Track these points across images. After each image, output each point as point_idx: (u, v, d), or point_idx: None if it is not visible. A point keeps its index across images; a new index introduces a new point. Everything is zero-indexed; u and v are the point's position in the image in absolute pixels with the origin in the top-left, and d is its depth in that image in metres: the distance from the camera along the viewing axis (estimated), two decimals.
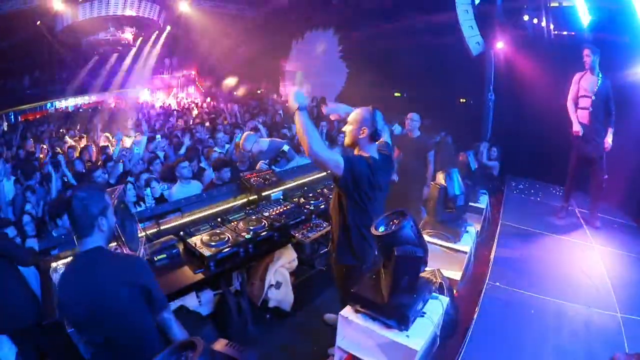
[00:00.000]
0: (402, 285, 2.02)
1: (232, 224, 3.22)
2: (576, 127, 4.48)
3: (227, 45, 11.28)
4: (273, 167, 4.15)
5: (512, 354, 2.77)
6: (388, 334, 2.16)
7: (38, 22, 10.01)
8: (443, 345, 2.50)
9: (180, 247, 2.96)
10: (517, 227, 4.64)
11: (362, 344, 2.29)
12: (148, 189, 4.18)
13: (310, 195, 3.87)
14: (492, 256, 3.86)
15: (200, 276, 2.66)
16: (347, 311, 2.31)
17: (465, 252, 3.42)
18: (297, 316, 3.43)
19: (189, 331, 1.79)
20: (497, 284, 3.43)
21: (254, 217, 3.32)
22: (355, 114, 2.39)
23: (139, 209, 3.87)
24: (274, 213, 3.41)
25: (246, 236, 2.98)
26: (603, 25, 5.54)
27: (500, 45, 7.07)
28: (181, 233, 3.08)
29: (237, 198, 3.61)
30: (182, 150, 5.70)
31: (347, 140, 2.44)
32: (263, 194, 3.73)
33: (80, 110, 14.15)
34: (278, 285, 3.34)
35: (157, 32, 13.46)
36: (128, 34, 12.65)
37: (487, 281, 3.44)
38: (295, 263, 3.49)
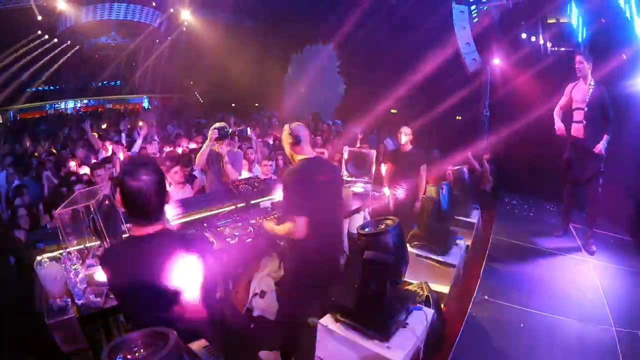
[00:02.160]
0: (369, 290, 1.99)
1: (219, 229, 3.17)
2: (557, 124, 4.29)
3: (226, 55, 11.39)
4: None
5: None
6: (368, 345, 2.11)
7: (39, 18, 10.06)
8: (428, 359, 2.44)
9: None
10: (509, 241, 4.61)
11: (342, 355, 2.24)
12: None
13: None
14: (482, 270, 3.82)
15: None
16: (327, 320, 2.26)
17: (454, 266, 3.37)
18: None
19: None
20: (486, 297, 3.38)
21: (240, 224, 3.28)
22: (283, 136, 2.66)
23: None
24: (261, 220, 3.37)
25: (231, 242, 2.93)
26: (599, 39, 5.59)
27: (497, 61, 7.15)
28: None
29: (225, 204, 3.58)
30: None
31: (290, 158, 2.68)
32: (252, 202, 3.69)
33: (80, 112, 14.20)
34: (263, 294, 3.28)
35: (157, 39, 13.59)
36: (129, 39, 12.77)
37: (475, 294, 3.39)
38: (281, 272, 3.43)
